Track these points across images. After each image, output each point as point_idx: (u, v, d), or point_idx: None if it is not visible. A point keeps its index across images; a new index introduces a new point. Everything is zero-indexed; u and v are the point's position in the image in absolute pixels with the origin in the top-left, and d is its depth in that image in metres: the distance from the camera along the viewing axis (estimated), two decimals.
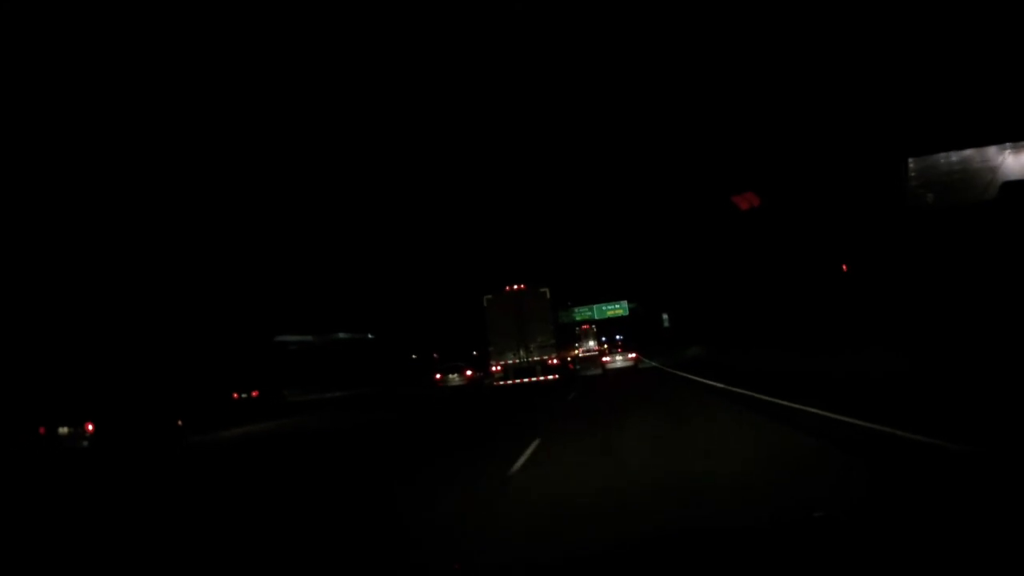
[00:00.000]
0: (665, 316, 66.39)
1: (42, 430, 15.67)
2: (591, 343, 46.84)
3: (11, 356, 20.55)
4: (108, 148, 25.20)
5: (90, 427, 15.65)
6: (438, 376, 39.16)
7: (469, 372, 38.26)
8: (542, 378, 30.21)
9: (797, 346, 19.84)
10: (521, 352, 30.58)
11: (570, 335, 50.52)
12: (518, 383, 30.08)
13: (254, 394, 33.23)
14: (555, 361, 31.13)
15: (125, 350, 25.23)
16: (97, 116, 24.07)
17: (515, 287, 31.37)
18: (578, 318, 59.68)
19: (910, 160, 16.39)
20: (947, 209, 16.27)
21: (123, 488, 11.84)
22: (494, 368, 31.08)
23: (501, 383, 30.46)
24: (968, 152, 16.32)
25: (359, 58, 25.00)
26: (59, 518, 9.33)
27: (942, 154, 16.39)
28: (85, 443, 15.48)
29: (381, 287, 48.69)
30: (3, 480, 14.03)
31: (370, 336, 61.37)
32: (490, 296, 31.36)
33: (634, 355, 40.47)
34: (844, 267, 20.27)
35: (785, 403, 11.94)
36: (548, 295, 31.40)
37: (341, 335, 58.07)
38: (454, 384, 37.88)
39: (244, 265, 35.24)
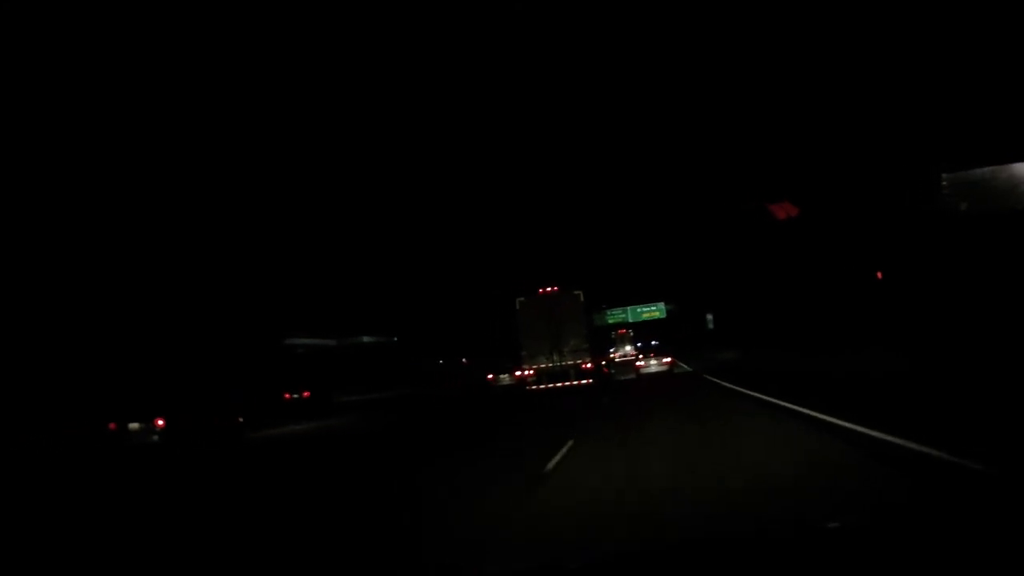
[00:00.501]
0: (710, 317, 64.50)
1: (112, 426, 17.32)
2: (627, 348, 47.54)
3: (80, 358, 22.31)
4: (142, 159, 26.86)
5: (160, 423, 17.31)
6: (490, 376, 41.34)
7: (518, 373, 40.14)
8: (575, 382, 30.60)
9: (827, 350, 20.44)
10: (554, 356, 31.03)
11: (604, 339, 51.20)
12: (551, 387, 30.58)
13: (305, 395, 35.33)
14: (589, 365, 31.40)
15: (189, 352, 27.10)
16: (130, 124, 25.57)
17: (548, 289, 31.84)
18: (611, 321, 59.77)
19: (944, 174, 17.11)
20: (980, 216, 16.94)
21: (190, 480, 13.28)
22: (527, 372, 31.65)
23: (534, 387, 30.93)
24: (1000, 165, 16.99)
25: (382, 63, 26.23)
26: (123, 507, 10.68)
27: (976, 170, 17.10)
28: (155, 438, 17.14)
29: (406, 292, 49.87)
30: (73, 473, 15.60)
31: (395, 339, 62.52)
32: (522, 299, 31.95)
33: (668, 359, 41.00)
34: (879, 274, 20.93)
35: (812, 413, 12.61)
36: (582, 298, 31.90)
37: (365, 339, 59.29)
38: (504, 383, 39.97)
39: (276, 272, 36.99)
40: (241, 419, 20.64)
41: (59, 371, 20.96)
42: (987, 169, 17.06)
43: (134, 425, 17.49)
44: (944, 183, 17.06)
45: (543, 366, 31.24)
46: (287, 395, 34.29)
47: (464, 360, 60.52)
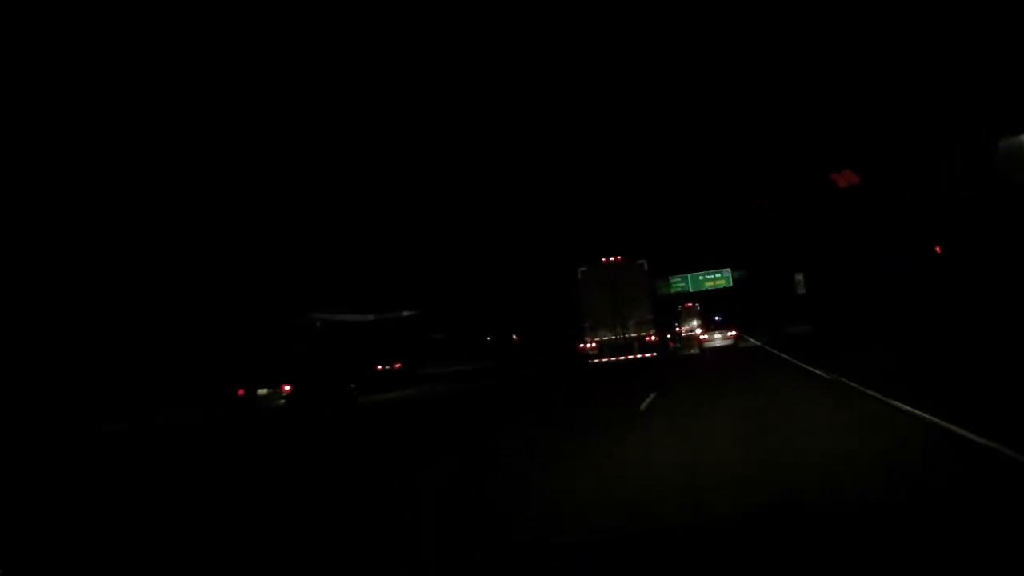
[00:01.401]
0: (799, 278, 56.93)
1: (241, 392, 20.70)
2: (694, 322, 49.09)
3: (215, 335, 25.99)
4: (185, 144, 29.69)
5: (287, 388, 20.68)
6: (580, 345, 44.26)
7: (580, 346, 42.87)
8: (639, 356, 31.59)
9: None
10: (618, 328, 32.00)
11: (666, 309, 52.61)
12: (614, 360, 31.76)
13: (396, 366, 40.40)
14: (653, 338, 32.20)
15: (307, 327, 31.00)
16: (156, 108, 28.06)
17: (611, 259, 32.69)
18: (674, 290, 59.24)
19: (1000, 141, 18.46)
20: None
21: (315, 438, 16.31)
22: (589, 345, 32.71)
23: (596, 361, 32.03)
24: None
25: (435, 33, 28.11)
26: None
27: None
28: (281, 402, 20.47)
29: (451, 265, 51.59)
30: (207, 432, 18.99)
31: (436, 313, 64.63)
32: (584, 269, 32.90)
33: (733, 333, 42.24)
34: (938, 248, 22.36)
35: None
36: (646, 267, 32.61)
37: (405, 313, 61.74)
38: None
39: (318, 249, 40.23)
40: (354, 386, 24.08)
41: (193, 346, 24.54)
42: None
43: (262, 391, 20.88)
44: (1001, 153, 18.31)
45: (606, 338, 32.27)
46: (379, 367, 39.22)
47: (515, 337, 60.69)
